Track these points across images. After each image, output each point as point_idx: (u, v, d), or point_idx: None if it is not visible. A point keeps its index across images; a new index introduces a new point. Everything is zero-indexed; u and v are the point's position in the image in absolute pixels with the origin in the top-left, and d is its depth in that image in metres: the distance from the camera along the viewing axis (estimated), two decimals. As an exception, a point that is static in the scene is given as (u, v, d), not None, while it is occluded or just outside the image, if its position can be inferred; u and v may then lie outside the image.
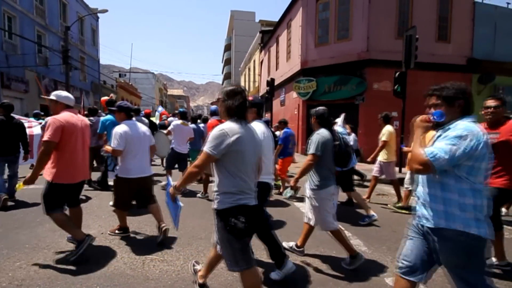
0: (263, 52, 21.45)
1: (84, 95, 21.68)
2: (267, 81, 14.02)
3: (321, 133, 2.93)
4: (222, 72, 53.67)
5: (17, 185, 3.39)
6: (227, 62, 47.95)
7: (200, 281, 2.46)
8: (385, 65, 10.41)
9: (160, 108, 13.04)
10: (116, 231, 3.63)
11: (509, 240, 3.64)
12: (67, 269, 2.77)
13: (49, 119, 2.99)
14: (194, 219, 4.18)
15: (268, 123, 6.25)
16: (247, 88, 29.14)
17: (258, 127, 2.56)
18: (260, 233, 2.72)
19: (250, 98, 2.74)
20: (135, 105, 33.12)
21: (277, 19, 16.99)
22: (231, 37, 44.03)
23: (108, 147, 3.43)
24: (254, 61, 25.32)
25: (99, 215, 4.32)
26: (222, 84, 53.40)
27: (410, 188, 4.75)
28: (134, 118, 3.78)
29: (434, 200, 1.70)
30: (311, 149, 2.88)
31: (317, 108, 3.16)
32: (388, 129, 5.22)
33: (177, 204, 2.25)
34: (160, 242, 3.34)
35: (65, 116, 2.99)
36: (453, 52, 11.43)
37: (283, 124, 6.56)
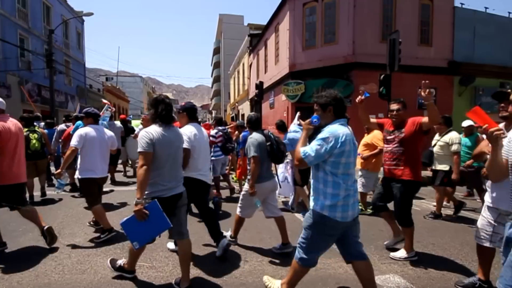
0: (252, 55, 21.55)
1: (75, 101, 21.24)
2: (256, 84, 14.09)
3: (253, 137, 3.25)
4: (212, 75, 53.55)
5: None
6: (216, 65, 47.88)
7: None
8: (371, 68, 10.64)
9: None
10: (101, 236, 3.59)
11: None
12: (51, 278, 2.71)
13: None
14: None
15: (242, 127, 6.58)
16: (236, 91, 29.20)
17: (189, 129, 3.07)
18: (203, 216, 3.28)
19: (183, 103, 3.36)
20: (122, 109, 32.47)
21: (265, 23, 17.12)
22: (220, 40, 44.03)
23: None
24: (243, 64, 25.40)
25: (85, 223, 4.23)
26: (212, 87, 53.27)
27: (361, 191, 4.90)
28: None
29: (315, 190, 2.15)
30: (251, 153, 3.16)
31: (248, 115, 3.51)
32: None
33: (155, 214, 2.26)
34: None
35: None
36: (435, 55, 11.80)
37: (240, 127, 6.57)
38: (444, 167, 4.77)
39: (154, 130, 2.36)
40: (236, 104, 28.29)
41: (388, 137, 3.26)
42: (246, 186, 3.30)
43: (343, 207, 2.05)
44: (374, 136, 4.76)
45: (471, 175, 4.93)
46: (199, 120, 8.04)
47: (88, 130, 3.66)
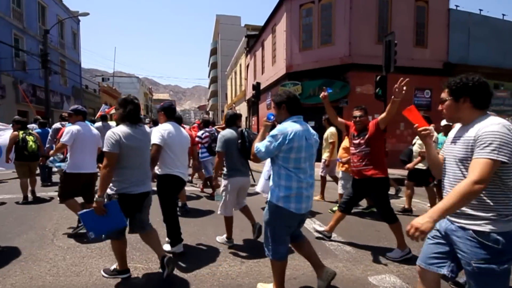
0: (249, 56, 21.57)
1: (71, 102, 21.08)
2: (253, 85, 14.10)
3: (222, 133, 3.45)
4: (209, 76, 53.47)
5: None
6: (213, 66, 47.85)
7: None
8: (367, 69, 10.70)
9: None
10: (79, 225, 3.74)
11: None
12: (46, 280, 2.68)
13: None
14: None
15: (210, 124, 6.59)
16: (234, 92, 29.20)
17: (164, 127, 3.19)
18: (165, 216, 3.25)
19: (162, 103, 3.54)
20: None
21: (262, 24, 17.15)
22: (217, 41, 44.01)
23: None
24: (240, 65, 25.41)
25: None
26: (209, 88, 53.21)
27: (340, 192, 5.01)
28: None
29: (272, 182, 2.29)
30: (217, 148, 3.40)
31: (226, 112, 3.66)
32: (331, 130, 5.65)
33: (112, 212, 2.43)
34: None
35: None
36: (430, 56, 11.90)
37: (202, 124, 6.49)
38: (422, 166, 4.84)
39: (121, 130, 2.47)
40: (234, 105, 28.28)
41: (354, 141, 3.42)
42: (223, 183, 3.45)
43: (296, 199, 2.19)
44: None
45: None
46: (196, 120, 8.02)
47: (78, 127, 3.75)
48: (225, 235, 3.60)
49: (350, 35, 11.24)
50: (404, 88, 2.56)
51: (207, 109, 54.21)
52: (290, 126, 2.19)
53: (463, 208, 1.51)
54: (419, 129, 1.77)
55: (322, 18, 11.95)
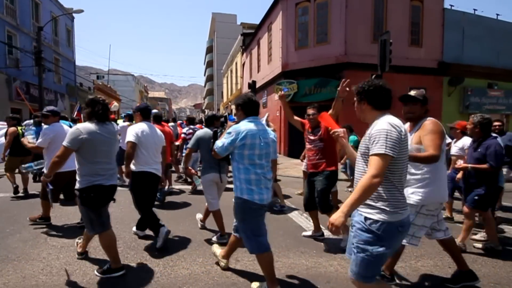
0: (245, 54, 21.52)
1: (65, 99, 20.85)
2: (249, 84, 14.10)
3: (198, 132, 3.69)
4: (205, 74, 53.27)
5: None
6: (209, 64, 47.66)
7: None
8: (362, 68, 10.72)
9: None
10: (37, 220, 3.90)
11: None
12: (39, 280, 2.66)
13: None
14: (174, 224, 4.12)
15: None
16: (229, 90, 29.12)
17: (139, 126, 3.43)
18: (140, 211, 3.47)
19: (138, 104, 3.93)
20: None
21: (258, 22, 17.11)
22: (213, 39, 43.82)
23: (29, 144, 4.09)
24: (236, 63, 25.35)
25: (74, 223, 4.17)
26: (205, 86, 53.00)
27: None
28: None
29: (234, 178, 2.46)
30: (188, 144, 3.69)
31: (206, 113, 3.81)
32: None
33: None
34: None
35: None
36: (425, 56, 11.98)
37: (187, 122, 7.26)
38: None
39: (86, 127, 2.60)
40: (229, 103, 28.24)
41: (310, 137, 3.64)
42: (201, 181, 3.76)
43: (258, 190, 2.37)
44: None
45: None
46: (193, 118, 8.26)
47: (54, 128, 3.87)
48: (219, 234, 3.62)
49: (346, 34, 11.27)
50: (347, 88, 2.79)
51: (203, 108, 54.00)
52: (244, 126, 2.38)
53: (368, 202, 1.69)
54: (332, 131, 2.08)
55: (318, 17, 11.96)
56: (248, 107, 2.48)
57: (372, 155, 1.62)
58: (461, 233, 3.42)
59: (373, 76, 8.43)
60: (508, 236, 3.99)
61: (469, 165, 3.40)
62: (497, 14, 13.58)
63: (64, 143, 2.54)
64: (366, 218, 1.69)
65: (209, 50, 46.86)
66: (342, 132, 2.04)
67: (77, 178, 2.64)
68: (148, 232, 3.62)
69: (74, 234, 3.77)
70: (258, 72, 17.56)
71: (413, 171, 2.40)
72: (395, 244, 1.75)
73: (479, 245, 3.48)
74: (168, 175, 5.99)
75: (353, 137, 6.18)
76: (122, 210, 4.82)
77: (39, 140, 3.81)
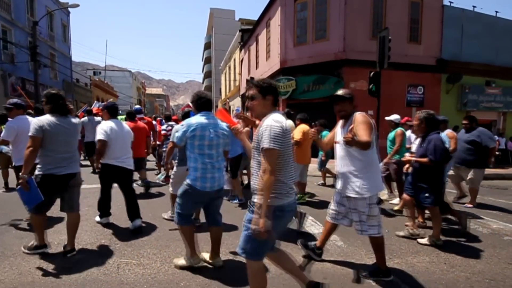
0: (243, 50, 21.40)
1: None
2: (247, 80, 14.03)
3: (175, 127, 3.84)
4: (203, 71, 52.97)
5: None
6: (207, 60, 47.39)
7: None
8: (361, 65, 10.72)
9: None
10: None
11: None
12: (35, 276, 2.64)
13: None
14: (173, 222, 4.12)
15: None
16: (228, 86, 28.99)
17: (107, 124, 3.74)
18: (125, 196, 3.86)
19: (105, 102, 4.20)
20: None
21: (256, 18, 16.99)
22: (211, 35, 43.53)
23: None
24: (235, 59, 25.21)
25: (71, 220, 4.15)
26: (203, 82, 52.75)
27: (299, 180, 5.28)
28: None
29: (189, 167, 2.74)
30: (170, 138, 3.91)
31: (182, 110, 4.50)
32: (291, 124, 5.68)
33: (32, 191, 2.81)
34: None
35: None
36: (424, 53, 11.96)
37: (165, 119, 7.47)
38: None
39: (46, 119, 2.87)
40: (228, 100, 28.14)
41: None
42: (175, 168, 4.15)
43: (202, 179, 2.64)
44: (296, 130, 5.03)
45: (392, 169, 5.11)
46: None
47: (17, 121, 3.94)
48: (170, 211, 4.07)
49: (345, 31, 11.22)
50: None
51: None
52: (195, 119, 2.73)
53: (255, 186, 1.88)
54: (232, 127, 2.40)
55: (317, 13, 11.88)
56: (198, 103, 2.82)
57: (262, 150, 1.81)
58: (434, 229, 3.57)
59: (372, 73, 8.47)
60: (495, 233, 4.01)
61: (412, 158, 3.58)
62: (496, 11, 13.53)
63: (30, 133, 2.78)
64: (251, 202, 1.91)
65: (207, 46, 46.57)
66: (239, 128, 2.36)
67: (38, 166, 2.91)
68: (146, 234, 3.60)
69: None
70: (256, 68, 17.48)
71: (351, 168, 2.61)
72: (277, 226, 1.86)
73: (424, 241, 3.56)
74: (145, 167, 6.35)
75: (326, 133, 6.31)
76: (119, 206, 4.81)
77: (3, 133, 3.90)
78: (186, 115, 4.37)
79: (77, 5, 16.16)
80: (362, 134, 2.42)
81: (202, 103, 2.83)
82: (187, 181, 2.69)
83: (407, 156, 3.77)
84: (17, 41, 15.88)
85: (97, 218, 4.02)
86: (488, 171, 8.57)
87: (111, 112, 3.94)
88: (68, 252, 3.04)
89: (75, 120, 3.15)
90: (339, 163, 2.69)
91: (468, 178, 5.22)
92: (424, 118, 3.50)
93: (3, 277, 2.62)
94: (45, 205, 2.95)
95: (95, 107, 9.83)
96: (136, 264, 2.92)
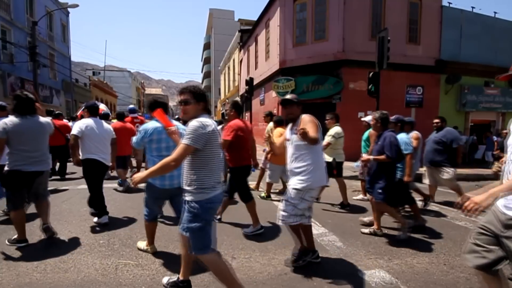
0: (242, 51, 21.40)
1: (60, 96, 20.63)
2: (246, 81, 14.01)
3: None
4: (202, 71, 52.96)
5: None
6: (206, 60, 47.38)
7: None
8: (360, 65, 10.71)
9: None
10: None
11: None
12: (33, 277, 2.63)
13: None
14: (172, 221, 4.11)
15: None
16: (227, 87, 28.99)
17: (84, 121, 4.03)
18: (90, 192, 4.07)
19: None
20: (110, 105, 31.81)
21: (256, 18, 17.00)
22: (210, 36, 43.53)
23: None
24: (234, 60, 25.21)
25: (69, 221, 4.14)
26: (202, 83, 52.71)
27: (267, 181, 5.62)
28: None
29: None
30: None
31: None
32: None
33: None
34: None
35: None
36: (423, 53, 11.97)
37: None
38: (327, 158, 5.06)
39: (10, 120, 3.08)
40: (227, 100, 28.13)
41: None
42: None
43: (160, 178, 2.82)
44: (275, 133, 5.16)
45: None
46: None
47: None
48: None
49: (344, 31, 11.22)
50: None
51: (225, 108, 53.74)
52: (151, 124, 2.95)
53: (185, 187, 2.09)
54: (166, 128, 2.63)
55: (316, 14, 11.88)
56: (154, 108, 2.98)
57: (181, 143, 2.01)
58: (374, 223, 3.81)
59: (371, 74, 8.47)
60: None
61: (371, 156, 3.74)
62: (495, 12, 13.57)
63: None
64: (185, 201, 2.11)
65: (207, 46, 46.58)
66: (173, 129, 2.60)
67: (7, 162, 3.12)
68: (145, 235, 3.58)
69: (70, 231, 3.74)
70: (255, 69, 17.48)
71: (298, 164, 2.79)
72: (208, 215, 2.10)
73: (366, 231, 3.88)
74: (126, 167, 6.48)
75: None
76: (118, 207, 4.79)
77: None
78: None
79: (77, 5, 16.15)
80: (311, 132, 2.62)
81: (158, 108, 2.96)
82: (149, 180, 2.85)
83: (365, 156, 3.87)
84: (16, 41, 15.85)
85: (95, 219, 4.02)
86: (488, 171, 8.58)
87: (91, 111, 4.21)
88: (19, 241, 3.23)
89: (42, 120, 3.32)
90: (289, 161, 2.89)
91: (442, 178, 5.14)
92: (380, 118, 3.73)
93: (1, 278, 2.60)
94: (18, 201, 3.18)
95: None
96: (135, 265, 2.90)
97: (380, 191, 3.61)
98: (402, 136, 4.02)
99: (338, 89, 11.30)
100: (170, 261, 2.96)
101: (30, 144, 3.13)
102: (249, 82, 13.63)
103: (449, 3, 12.52)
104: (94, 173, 4.03)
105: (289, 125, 2.99)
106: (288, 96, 2.92)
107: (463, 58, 12.32)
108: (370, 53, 9.49)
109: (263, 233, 3.76)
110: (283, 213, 2.83)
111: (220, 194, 2.19)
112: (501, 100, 13.24)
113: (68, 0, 20.15)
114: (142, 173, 2.07)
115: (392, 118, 4.23)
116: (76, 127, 3.96)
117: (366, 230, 3.90)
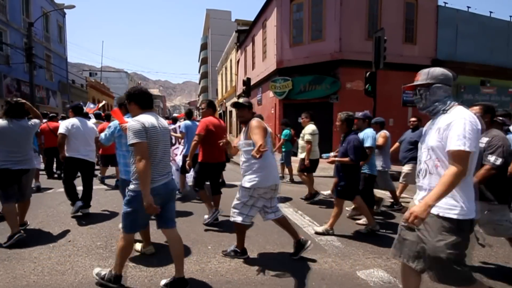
0: (239, 51, 21.39)
1: (57, 97, 20.52)
2: (243, 81, 14.02)
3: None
4: (199, 71, 52.88)
5: None
6: (203, 61, 47.30)
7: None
8: (357, 65, 10.75)
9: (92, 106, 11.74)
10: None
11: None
12: (30, 280, 2.61)
13: None
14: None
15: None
16: (224, 87, 28.94)
17: (69, 121, 4.35)
18: (64, 184, 4.39)
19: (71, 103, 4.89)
20: (107, 106, 31.80)
21: (252, 19, 17.01)
22: (207, 36, 43.46)
23: None
24: (231, 60, 25.19)
25: (66, 222, 4.12)
26: (199, 83, 52.63)
27: None
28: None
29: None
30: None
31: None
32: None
33: None
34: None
35: None
36: (419, 53, 12.03)
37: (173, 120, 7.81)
38: (303, 155, 5.38)
39: None
40: (224, 100, 28.11)
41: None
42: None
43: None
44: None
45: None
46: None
47: None
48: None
49: (341, 31, 11.25)
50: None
51: (198, 105, 53.66)
52: (128, 122, 3.07)
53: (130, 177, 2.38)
54: (120, 125, 2.80)
55: (313, 14, 11.91)
56: (126, 107, 3.04)
57: (130, 146, 2.23)
58: (330, 218, 3.83)
59: (368, 74, 8.50)
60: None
61: (336, 158, 3.85)
62: (490, 12, 13.66)
63: None
64: (128, 189, 2.34)
65: (204, 47, 46.49)
66: (126, 126, 2.62)
67: None
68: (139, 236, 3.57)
69: (66, 234, 3.73)
70: (252, 69, 17.48)
71: (246, 164, 2.93)
72: (138, 205, 2.25)
73: (363, 228, 3.99)
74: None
75: (286, 131, 6.97)
76: (115, 208, 4.78)
77: None
78: (189, 114, 5.73)
79: (73, 6, 16.06)
80: (257, 138, 2.70)
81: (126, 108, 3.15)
82: (122, 176, 3.10)
83: (331, 157, 3.95)
84: (12, 42, 15.75)
85: (72, 210, 4.35)
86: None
87: (75, 111, 4.55)
88: (13, 235, 3.31)
89: (30, 123, 3.59)
90: (242, 163, 3.01)
91: (403, 172, 5.11)
92: (345, 119, 3.84)
93: (-3, 281, 2.58)
94: (10, 194, 3.41)
95: (89, 107, 9.90)
96: (133, 266, 2.89)
97: (339, 188, 3.78)
98: (367, 132, 4.24)
99: (335, 89, 11.34)
100: (168, 262, 2.95)
101: (14, 145, 3.41)
102: (247, 82, 13.63)
103: (445, 3, 12.60)
104: (72, 171, 4.42)
105: (243, 129, 3.08)
106: (240, 100, 3.06)
107: (459, 58, 12.39)
108: (366, 53, 9.53)
109: (260, 234, 3.76)
110: (233, 210, 2.97)
111: (165, 184, 2.37)
112: (497, 99, 13.33)
113: (64, 1, 20.06)
114: (136, 187, 2.29)
115: (360, 114, 4.45)
116: (63, 126, 4.27)
117: (361, 221, 4.19)
